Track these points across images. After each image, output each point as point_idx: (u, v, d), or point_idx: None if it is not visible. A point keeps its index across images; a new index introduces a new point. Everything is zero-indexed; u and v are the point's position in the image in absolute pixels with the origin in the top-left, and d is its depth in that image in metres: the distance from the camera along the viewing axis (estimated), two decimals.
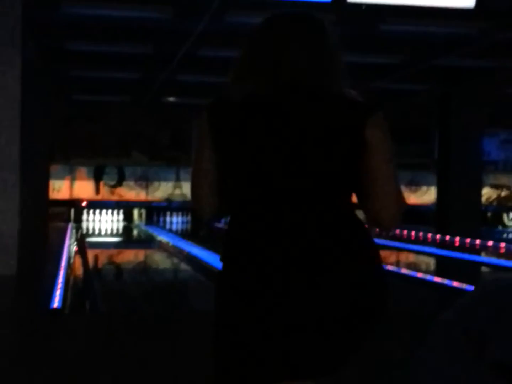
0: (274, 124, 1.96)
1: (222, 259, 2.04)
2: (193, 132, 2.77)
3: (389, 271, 10.54)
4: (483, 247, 14.76)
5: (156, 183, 22.92)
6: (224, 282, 2.02)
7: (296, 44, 2.03)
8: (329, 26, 2.16)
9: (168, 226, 21.58)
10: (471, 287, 7.94)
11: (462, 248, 14.26)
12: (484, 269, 11.97)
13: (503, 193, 24.09)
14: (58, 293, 6.93)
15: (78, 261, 11.09)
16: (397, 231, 19.28)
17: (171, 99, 20.14)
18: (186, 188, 21.45)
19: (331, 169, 1.96)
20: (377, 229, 2.10)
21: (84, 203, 22.43)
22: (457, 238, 15.46)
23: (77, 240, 15.27)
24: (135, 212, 23.00)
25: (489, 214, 23.58)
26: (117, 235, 19.90)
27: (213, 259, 9.10)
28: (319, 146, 1.95)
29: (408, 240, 16.78)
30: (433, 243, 16.24)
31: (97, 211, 22.54)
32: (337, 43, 2.19)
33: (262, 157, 1.95)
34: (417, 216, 23.36)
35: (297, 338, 1.91)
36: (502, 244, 14.41)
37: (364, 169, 2.01)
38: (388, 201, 2.03)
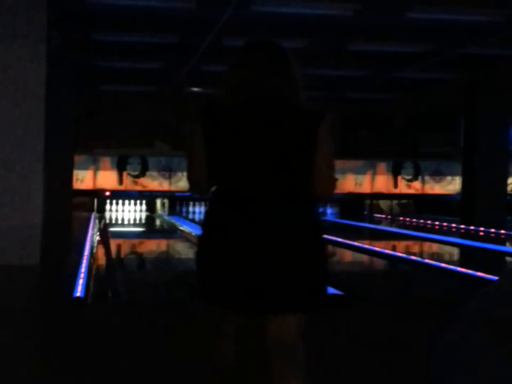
0: (250, 125, 2.69)
1: (207, 217, 2.78)
2: (188, 128, 2.83)
3: (415, 260, 10.48)
4: (508, 237, 14.63)
5: (179, 173, 22.95)
6: (209, 241, 2.74)
7: (266, 67, 2.75)
8: (291, 53, 2.85)
9: (190, 216, 21.62)
10: (495, 278, 7.85)
11: (486, 238, 14.14)
12: (509, 259, 11.86)
13: None
14: (80, 282, 6.95)
15: (100, 251, 11.14)
16: (421, 221, 19.17)
17: (195, 89, 20.13)
18: None
19: (290, 160, 2.70)
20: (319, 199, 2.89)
21: (107, 193, 22.53)
22: (482, 228, 15.35)
23: (100, 230, 15.34)
24: (158, 202, 23.07)
25: None
26: (140, 225, 19.97)
27: None
28: (283, 142, 2.68)
29: (432, 230, 16.67)
30: (458, 233, 16.13)
31: (120, 201, 22.63)
32: (297, 65, 2.88)
33: (240, 147, 2.68)
34: (442, 206, 23.24)
35: (271, 278, 2.66)
36: None
37: (316, 157, 2.75)
38: (324, 184, 2.86)
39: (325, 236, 2.81)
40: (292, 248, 2.67)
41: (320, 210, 24.45)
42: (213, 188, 2.78)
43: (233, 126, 2.71)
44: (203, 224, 2.80)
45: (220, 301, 2.72)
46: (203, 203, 22.15)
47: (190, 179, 2.84)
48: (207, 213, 2.81)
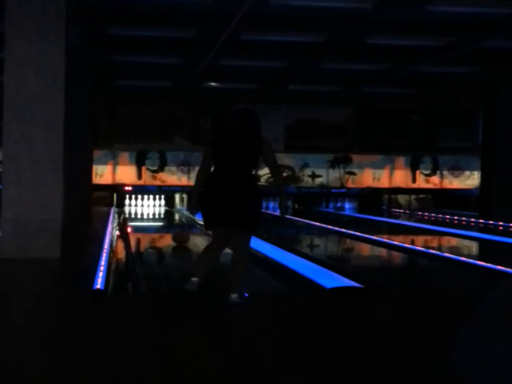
0: (231, 148, 6.04)
1: (206, 184, 6.10)
2: (205, 151, 5.24)
3: (433, 254, 10.45)
4: None
5: (197, 168, 22.96)
6: (207, 190, 6.07)
7: (244, 119, 6.14)
8: (257, 115, 6.18)
9: None
10: None
11: (506, 232, 14.07)
12: None
13: None
14: (100, 275, 7.00)
15: (120, 245, 11.20)
16: (440, 215, 19.10)
17: (213, 84, 20.15)
18: None
19: (247, 159, 6.03)
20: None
21: (128, 188, 22.63)
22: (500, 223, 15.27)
23: (119, 224, 15.41)
24: (177, 197, 23.14)
25: None
26: (159, 219, 20.04)
27: (253, 243, 9.10)
28: (244, 151, 6.04)
29: (451, 225, 16.61)
30: (477, 228, 16.06)
31: (139, 196, 22.73)
32: (260, 124, 6.15)
33: (226, 157, 6.03)
34: (460, 201, 23.13)
35: (232, 210, 5.95)
36: None
37: (266, 162, 6.14)
38: (274, 174, 6.29)
39: (261, 191, 6.23)
40: (243, 196, 5.93)
41: (339, 204, 24.38)
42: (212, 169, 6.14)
43: (225, 144, 6.05)
44: (204, 186, 6.08)
45: (214, 225, 6.06)
46: None
47: (200, 174, 6.23)
48: (206, 179, 6.09)
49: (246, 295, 5.99)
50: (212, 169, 6.20)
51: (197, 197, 6.15)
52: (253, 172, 6.19)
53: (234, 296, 5.82)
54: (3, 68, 8.94)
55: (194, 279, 5.91)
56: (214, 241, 6.10)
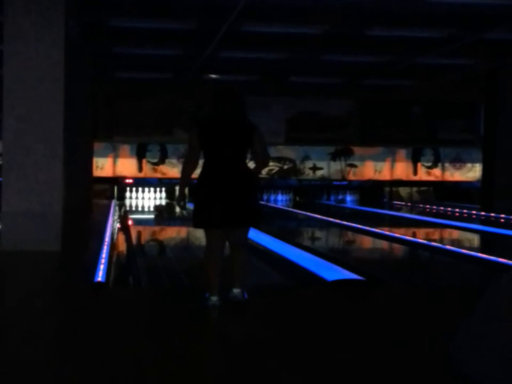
0: (221, 131, 5.49)
1: (200, 181, 5.54)
2: (190, 133, 4.61)
3: (435, 246, 10.43)
4: None
5: (199, 161, 22.95)
6: (202, 188, 5.51)
7: (230, 101, 5.50)
8: (243, 94, 5.60)
9: None
10: None
11: (507, 225, 14.05)
12: None
13: None
14: (101, 267, 6.98)
15: (121, 238, 11.18)
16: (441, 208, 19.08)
17: (213, 76, 20.10)
18: None
19: (240, 148, 5.52)
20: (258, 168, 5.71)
21: (129, 181, 22.61)
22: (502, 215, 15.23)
23: (120, 217, 15.40)
24: (178, 189, 23.11)
25: None
26: (159, 212, 20.02)
27: (254, 235, 9.09)
28: (236, 140, 5.50)
29: (452, 217, 16.59)
30: (478, 220, 16.04)
31: (140, 188, 22.70)
32: (245, 99, 5.58)
33: (217, 142, 5.49)
34: (462, 193, 23.10)
35: (233, 209, 5.45)
36: None
37: (253, 149, 5.52)
38: (261, 160, 5.61)
39: (259, 185, 5.77)
40: (242, 192, 5.48)
41: (340, 197, 24.38)
42: (204, 161, 5.56)
43: (213, 131, 5.52)
44: (197, 180, 5.55)
45: (211, 226, 5.56)
46: None
47: (187, 165, 5.69)
48: (200, 174, 5.54)
49: (246, 296, 5.60)
50: (202, 161, 5.55)
51: (183, 191, 5.67)
52: (244, 160, 5.60)
53: (236, 291, 5.53)
54: (2, 60, 8.90)
55: (214, 298, 5.46)
56: (213, 244, 5.55)
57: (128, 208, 19.23)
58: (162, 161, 23.11)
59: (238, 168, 5.48)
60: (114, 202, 20.03)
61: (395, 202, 23.17)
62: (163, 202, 22.37)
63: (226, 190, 5.42)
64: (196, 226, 5.64)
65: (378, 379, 3.89)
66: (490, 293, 1.81)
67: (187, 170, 5.65)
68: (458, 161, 24.36)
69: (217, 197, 5.41)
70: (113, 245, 9.48)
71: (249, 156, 5.63)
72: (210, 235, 5.57)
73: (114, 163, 22.92)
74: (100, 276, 6.56)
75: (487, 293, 1.81)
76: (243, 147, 5.51)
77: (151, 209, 20.51)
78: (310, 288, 6.81)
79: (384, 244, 11.58)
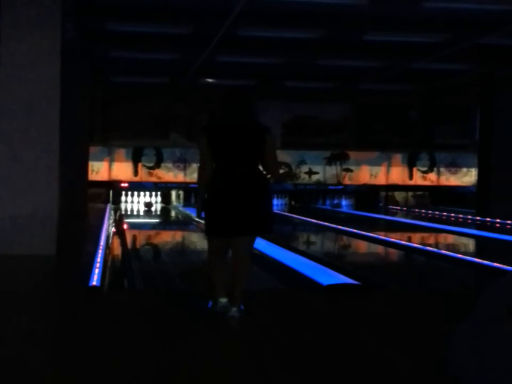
0: (230, 136, 5.28)
1: (211, 188, 5.35)
2: (198, 141, 4.27)
3: (430, 251, 10.43)
4: None
5: (194, 165, 22.98)
6: (214, 196, 5.34)
7: (238, 104, 5.27)
8: (252, 95, 5.39)
9: None
10: None
11: (503, 230, 14.06)
12: None
13: None
14: (96, 271, 6.96)
15: (116, 242, 11.16)
16: (437, 213, 19.10)
17: (209, 80, 20.11)
18: None
19: (252, 154, 5.27)
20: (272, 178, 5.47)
21: (125, 185, 22.59)
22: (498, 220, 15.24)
23: (115, 221, 15.38)
24: (173, 193, 23.10)
25: None
26: (155, 216, 20.00)
27: None
28: (247, 144, 5.26)
29: (448, 222, 16.60)
30: (474, 225, 16.05)
31: (135, 192, 22.68)
32: (256, 102, 5.35)
33: (226, 148, 5.27)
34: (457, 198, 23.12)
35: (247, 217, 5.29)
36: None
37: (265, 155, 5.29)
38: (272, 168, 5.38)
39: (271, 191, 5.46)
40: (251, 199, 5.28)
41: (336, 201, 24.37)
42: (214, 168, 5.35)
43: (222, 137, 5.30)
44: (208, 187, 5.35)
45: (216, 233, 5.41)
46: None
47: (201, 174, 5.39)
48: (210, 182, 5.32)
49: (242, 307, 5.38)
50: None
51: (201, 201, 5.41)
52: (257, 165, 5.37)
53: (233, 309, 5.30)
54: None
55: (223, 300, 5.33)
56: (217, 250, 5.42)
57: (123, 212, 19.21)
58: (157, 165, 23.09)
59: (249, 174, 5.27)
60: (109, 206, 20.00)
61: (391, 206, 23.18)
62: (155, 201, 22.37)
63: (236, 197, 5.25)
64: (208, 234, 5.45)
65: (373, 382, 3.89)
66: (485, 298, 1.81)
67: (201, 179, 5.36)
68: (454, 165, 24.38)
69: (227, 205, 5.25)
70: (108, 249, 9.47)
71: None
72: (214, 242, 5.43)
73: (110, 167, 22.90)
74: (95, 280, 6.54)
75: (483, 298, 1.81)
76: (255, 151, 5.26)
77: (143, 207, 20.48)
78: (305, 293, 6.80)
79: (379, 248, 11.58)
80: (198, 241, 12.90)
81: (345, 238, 13.37)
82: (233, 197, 5.25)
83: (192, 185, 22.30)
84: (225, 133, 5.26)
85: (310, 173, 23.96)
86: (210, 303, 5.45)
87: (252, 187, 5.27)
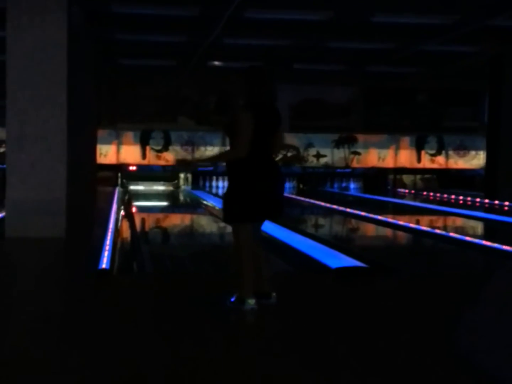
0: (265, 116, 5.07)
1: (247, 169, 5.06)
2: (243, 118, 4.22)
3: (439, 234, 10.43)
4: None
5: (202, 148, 22.98)
6: (253, 179, 5.05)
7: (265, 83, 5.07)
8: (273, 72, 5.31)
9: (214, 190, 21.67)
10: None
11: (511, 213, 14.03)
12: None
13: None
14: (106, 254, 6.99)
15: (125, 225, 11.19)
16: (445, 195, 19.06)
17: (217, 63, 20.05)
18: None
19: (277, 132, 5.18)
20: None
21: (133, 168, 22.61)
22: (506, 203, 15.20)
23: (124, 204, 15.41)
24: (182, 176, 23.12)
25: None
26: (163, 199, 20.03)
27: None
28: (276, 123, 5.15)
29: (456, 205, 16.57)
30: (482, 208, 16.02)
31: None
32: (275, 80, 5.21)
33: (267, 128, 5.08)
34: (466, 181, 23.07)
35: (277, 199, 5.16)
36: None
37: (278, 135, 5.20)
38: (280, 149, 5.32)
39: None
40: (283, 181, 5.22)
41: (344, 184, 24.40)
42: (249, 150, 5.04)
43: (260, 117, 5.02)
44: (243, 169, 5.05)
45: (255, 218, 5.13)
46: (225, 177, 22.16)
47: (242, 149, 4.98)
48: (247, 163, 5.02)
49: (233, 299, 5.11)
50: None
51: (202, 162, 6.03)
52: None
53: (274, 294, 5.22)
54: (5, 47, 8.89)
55: (251, 301, 5.01)
56: (250, 236, 5.07)
57: (132, 195, 19.24)
58: (165, 148, 23.09)
59: (274, 157, 5.17)
60: (118, 189, 20.04)
61: (399, 189, 23.15)
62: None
63: (275, 180, 5.09)
64: (245, 219, 5.03)
65: (382, 365, 3.90)
66: (493, 282, 1.81)
67: (241, 154, 4.97)
68: (462, 148, 24.31)
69: (270, 188, 5.06)
70: (117, 232, 9.49)
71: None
72: (248, 229, 5.07)
73: (118, 150, 22.92)
74: (104, 263, 6.57)
75: (490, 281, 1.82)
76: (277, 133, 5.14)
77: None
78: (314, 275, 6.81)
79: (387, 231, 11.58)
80: (206, 223, 12.93)
81: (353, 221, 13.36)
82: (273, 180, 5.07)
83: (200, 168, 22.30)
84: (261, 114, 5.00)
85: (318, 156, 23.92)
86: (234, 298, 5.10)
87: (280, 169, 5.17)
